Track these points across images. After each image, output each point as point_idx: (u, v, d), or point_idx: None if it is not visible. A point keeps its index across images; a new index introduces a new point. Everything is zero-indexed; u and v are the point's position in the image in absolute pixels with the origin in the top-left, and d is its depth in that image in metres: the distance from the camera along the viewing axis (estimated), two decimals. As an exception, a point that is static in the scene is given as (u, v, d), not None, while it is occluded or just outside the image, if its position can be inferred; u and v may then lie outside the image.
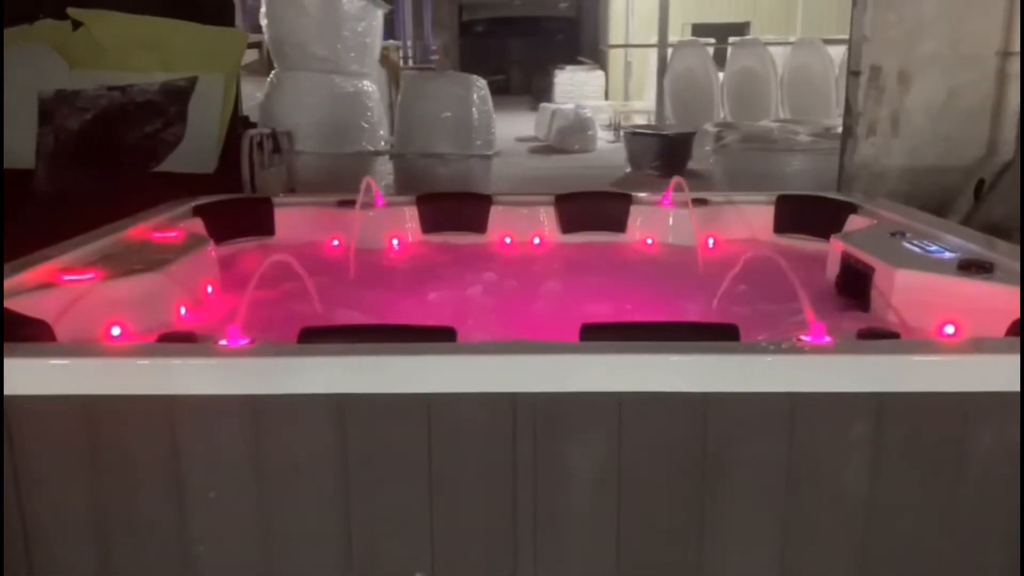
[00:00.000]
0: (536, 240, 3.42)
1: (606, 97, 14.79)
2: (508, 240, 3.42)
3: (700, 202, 3.42)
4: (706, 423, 1.67)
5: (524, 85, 17.14)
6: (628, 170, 9.38)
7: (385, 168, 7.04)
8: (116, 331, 2.21)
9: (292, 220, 3.46)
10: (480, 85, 6.48)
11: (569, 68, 15.23)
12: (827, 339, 1.77)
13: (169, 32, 5.06)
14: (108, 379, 1.70)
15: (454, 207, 3.46)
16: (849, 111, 5.55)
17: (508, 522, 1.72)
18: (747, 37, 11.70)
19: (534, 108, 13.24)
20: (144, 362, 1.71)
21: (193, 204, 3.33)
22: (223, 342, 1.80)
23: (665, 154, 8.97)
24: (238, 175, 5.11)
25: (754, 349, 1.71)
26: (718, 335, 1.77)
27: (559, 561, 1.74)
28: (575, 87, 14.70)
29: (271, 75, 6.40)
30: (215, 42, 5.12)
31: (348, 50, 6.40)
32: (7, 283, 2.24)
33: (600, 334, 1.77)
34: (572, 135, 10.97)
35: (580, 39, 17.39)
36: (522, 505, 1.71)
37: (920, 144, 5.42)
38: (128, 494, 1.74)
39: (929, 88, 5.33)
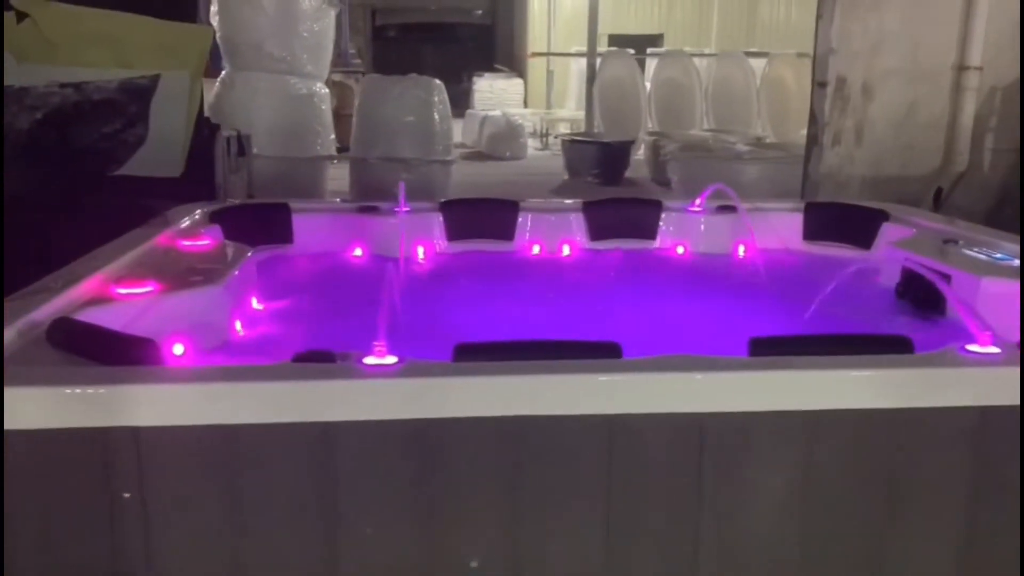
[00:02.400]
0: (565, 248, 3.33)
1: (525, 105, 14.81)
2: (537, 248, 3.32)
3: (727, 209, 3.40)
4: (891, 439, 1.62)
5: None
6: (566, 177, 9.40)
7: (340, 173, 6.82)
8: (179, 349, 2.00)
9: (311, 227, 3.25)
10: (441, 89, 6.34)
11: (488, 75, 15.17)
12: (996, 348, 1.74)
13: (126, 27, 4.72)
14: (254, 406, 1.52)
15: (481, 214, 3.33)
16: (814, 121, 5.68)
17: (690, 547, 1.62)
18: (672, 48, 11.91)
19: (455, 114, 13.12)
20: (298, 386, 1.53)
21: (208, 210, 3.09)
22: (368, 360, 1.64)
23: (604, 162, 9.02)
24: (207, 179, 4.81)
25: (939, 362, 1.66)
26: (890, 347, 1.72)
27: (739, 586, 1.65)
28: (495, 95, 14.65)
29: (222, 75, 6.08)
30: (177, 38, 4.81)
31: (303, 51, 6.16)
32: (62, 298, 2.01)
33: (770, 349, 1.69)
34: (504, 142, 10.92)
35: (495, 46, 17.37)
36: (705, 528, 1.61)
37: (882, 154, 5.59)
38: (271, 529, 1.56)
39: (890, 100, 5.50)
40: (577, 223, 3.35)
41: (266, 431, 1.52)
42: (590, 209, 3.36)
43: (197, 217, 3.02)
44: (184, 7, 4.98)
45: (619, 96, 11.12)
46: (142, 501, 1.51)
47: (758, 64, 11.03)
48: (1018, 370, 1.65)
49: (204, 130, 4.95)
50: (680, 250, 3.36)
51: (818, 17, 5.61)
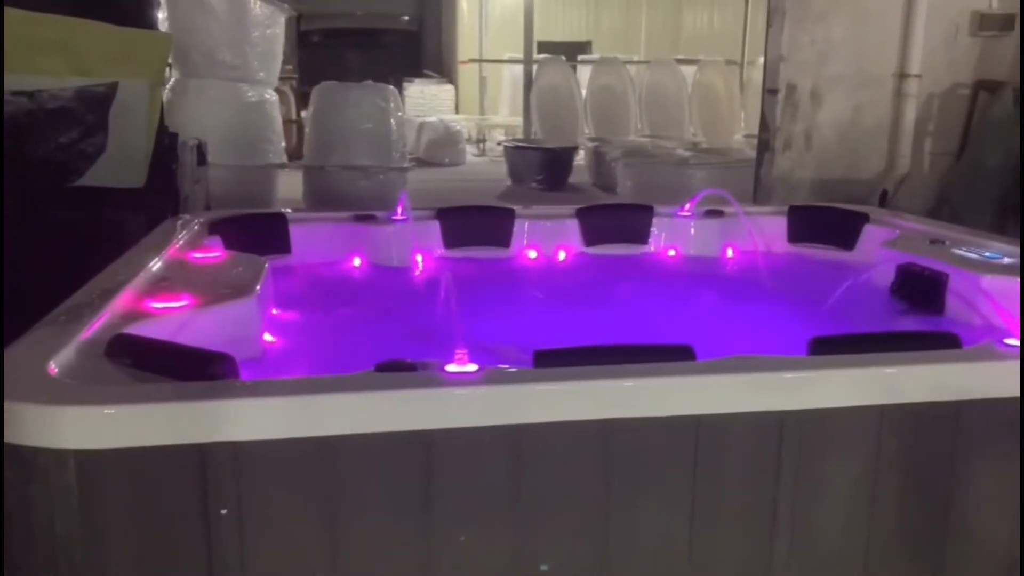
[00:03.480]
0: (561, 254, 3.37)
1: (456, 111, 14.82)
2: (533, 254, 3.35)
3: (715, 213, 3.50)
4: (948, 431, 1.71)
5: (364, 98, 16.85)
6: (509, 184, 9.45)
7: (292, 181, 6.72)
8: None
9: (309, 237, 3.22)
10: (396, 95, 6.32)
11: (418, 81, 15.15)
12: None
13: (81, 33, 4.57)
14: (354, 417, 1.51)
15: (478, 221, 3.35)
16: (765, 126, 5.86)
17: (767, 541, 1.68)
18: (605, 56, 12.08)
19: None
20: (396, 396, 1.53)
21: (205, 221, 3.03)
22: (450, 368, 1.65)
23: (548, 168, 9.11)
24: (170, 189, 4.68)
25: (987, 356, 1.76)
26: (940, 343, 1.81)
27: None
28: (426, 100, 14.61)
29: (171, 82, 5.93)
30: (136, 45, 4.68)
31: (255, 57, 6.06)
32: (102, 315, 1.95)
33: (832, 347, 1.77)
34: (442, 148, 10.92)
35: (423, 52, 17.31)
36: (782, 519, 1.68)
37: (829, 158, 5.81)
38: (366, 541, 1.56)
39: (837, 106, 5.72)
40: (572, 229, 3.40)
41: (362, 442, 1.52)
42: (584, 215, 3.42)
43: (196, 228, 2.95)
44: (141, 13, 4.85)
45: (555, 102, 11.25)
46: (239, 517, 1.49)
47: (688, 71, 11.30)
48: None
49: (164, 139, 4.83)
50: (672, 253, 3.45)
51: (768, 27, 5.80)
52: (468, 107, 14.93)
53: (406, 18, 17.82)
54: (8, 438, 1.46)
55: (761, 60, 12.35)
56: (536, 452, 1.57)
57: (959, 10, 5.60)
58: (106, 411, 1.44)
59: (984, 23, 5.66)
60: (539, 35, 15.46)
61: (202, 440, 1.46)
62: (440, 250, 3.32)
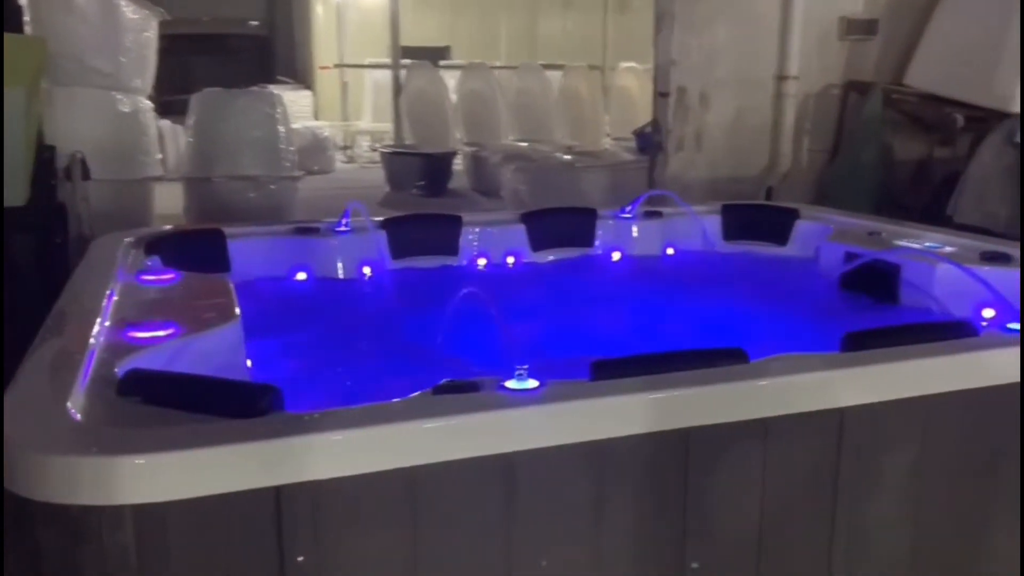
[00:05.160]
0: (510, 260, 3.32)
1: (315, 117, 14.44)
2: (483, 262, 3.29)
3: (653, 214, 3.55)
4: (982, 416, 1.79)
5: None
6: (388, 190, 9.30)
7: (167, 195, 6.32)
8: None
9: (248, 253, 3.02)
10: (282, 102, 6.08)
11: (273, 88, 14.64)
12: None
13: (-56, 38, 4.13)
14: (439, 445, 1.41)
15: (424, 230, 3.25)
16: (658, 128, 6.01)
17: (828, 525, 1.70)
18: (472, 61, 12.07)
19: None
20: (478, 419, 1.44)
21: (136, 239, 2.79)
22: (510, 384, 1.57)
23: (428, 174, 9.03)
24: (55, 206, 4.30)
25: (1005, 342, 1.85)
26: (961, 332, 1.89)
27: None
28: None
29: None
30: (7, 51, 4.27)
31: (128, 64, 5.67)
32: (88, 351, 1.75)
33: (866, 342, 1.81)
34: (311, 155, 10.58)
35: (275, 58, 16.76)
36: (840, 514, 1.70)
37: (718, 158, 6.02)
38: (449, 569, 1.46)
39: (723, 108, 5.94)
40: (518, 235, 3.35)
41: (444, 469, 1.42)
42: (530, 220, 3.38)
43: (132, 249, 2.71)
44: (10, 18, 4.42)
45: (425, 108, 11.16)
46: (317, 563, 1.36)
47: (553, 76, 11.48)
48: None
49: (43, 152, 4.43)
50: (616, 255, 3.46)
51: (656, 32, 5.95)
52: (328, 114, 14.57)
53: (255, 23, 17.21)
54: (45, 497, 1.28)
55: (622, 65, 12.75)
56: (616, 467, 1.52)
57: (829, 15, 5.94)
58: (170, 459, 1.28)
59: (851, 27, 6.02)
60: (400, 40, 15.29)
61: (280, 482, 1.32)
62: (387, 261, 3.20)
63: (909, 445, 1.73)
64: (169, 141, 8.80)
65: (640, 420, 1.52)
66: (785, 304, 2.81)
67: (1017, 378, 1.79)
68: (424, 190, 8.88)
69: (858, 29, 6.06)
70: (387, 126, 12.12)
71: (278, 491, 1.33)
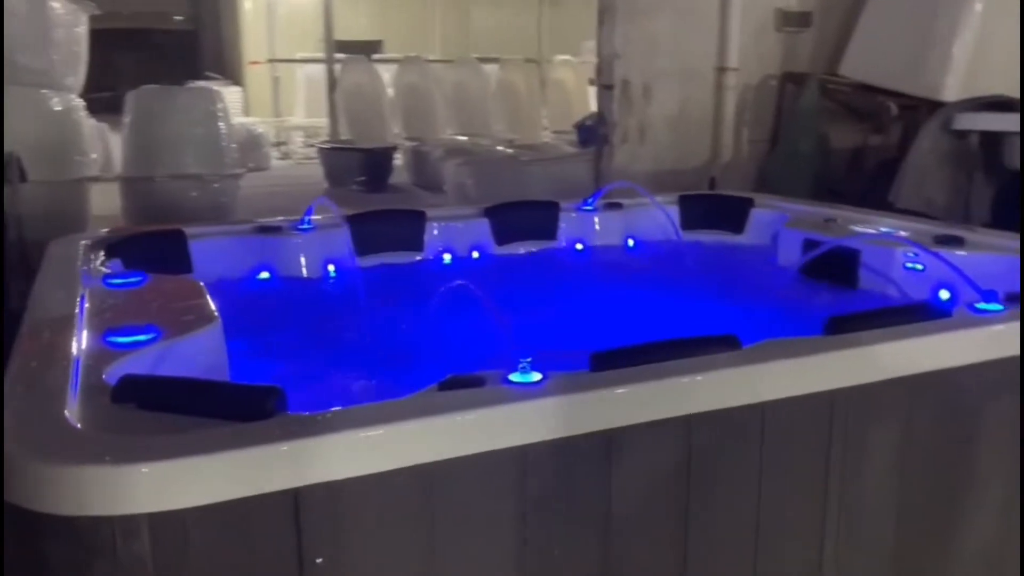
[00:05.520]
0: (475, 254, 3.32)
1: (246, 114, 14.18)
2: (448, 257, 3.28)
3: (614, 206, 3.59)
4: (958, 394, 1.86)
5: (133, 103, 15.76)
6: (327, 186, 9.19)
7: (105, 195, 6.13)
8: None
9: (210, 253, 2.96)
10: (223, 98, 5.95)
11: (200, 84, 14.32)
12: (999, 305, 2.03)
13: None
14: (456, 440, 1.41)
15: (389, 226, 3.23)
16: (603, 121, 6.06)
17: (821, 502, 1.75)
18: (408, 55, 11.98)
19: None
20: (493, 413, 1.44)
21: (94, 241, 2.71)
22: (513, 377, 1.57)
23: (368, 169, 8.95)
24: (-8, 211, 4.13)
25: (976, 322, 1.93)
26: (934, 314, 1.96)
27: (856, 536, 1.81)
28: (213, 104, 13.84)
29: (-38, 89, 5.23)
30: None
31: (59, 60, 5.48)
32: (72, 359, 1.70)
33: (848, 325, 1.86)
34: (246, 153, 10.36)
35: (201, 53, 16.39)
36: (832, 491, 1.75)
37: (661, 150, 6.10)
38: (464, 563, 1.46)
39: (666, 100, 6.02)
40: (482, 229, 3.36)
41: (459, 464, 1.42)
42: (493, 214, 3.38)
43: (91, 251, 2.63)
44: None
45: (361, 102, 11.05)
46: (336, 564, 1.35)
47: (489, 70, 11.48)
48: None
49: (-22, 153, 4.25)
50: (579, 247, 3.49)
51: (600, 24, 6.00)
52: (259, 110, 14.32)
53: (179, 17, 16.81)
54: (54, 509, 1.24)
55: (557, 58, 12.80)
56: (625, 456, 1.54)
57: (765, 7, 6.07)
58: (186, 464, 1.25)
59: (786, 20, 6.16)
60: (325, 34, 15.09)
61: (299, 484, 1.30)
62: (352, 258, 3.16)
63: (894, 423, 1.79)
64: (95, 140, 8.53)
65: (646, 408, 1.54)
66: (752, 291, 2.88)
67: (988, 357, 1.87)
68: (364, 186, 8.80)
69: (793, 21, 6.20)
70: (322, 121, 11.96)
71: (296, 493, 1.31)
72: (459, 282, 1.93)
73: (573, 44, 13.90)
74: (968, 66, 5.44)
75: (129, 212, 5.93)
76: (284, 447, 1.30)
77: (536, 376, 1.59)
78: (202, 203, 5.72)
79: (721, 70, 6.08)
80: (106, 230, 2.87)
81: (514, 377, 1.58)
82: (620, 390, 1.52)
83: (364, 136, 10.18)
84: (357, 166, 8.88)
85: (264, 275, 3.00)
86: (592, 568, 1.56)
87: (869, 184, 5.88)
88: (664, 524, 1.61)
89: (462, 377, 1.58)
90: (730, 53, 6.02)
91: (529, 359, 1.59)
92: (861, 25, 6.05)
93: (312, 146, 11.02)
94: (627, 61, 5.89)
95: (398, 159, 9.68)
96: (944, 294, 2.60)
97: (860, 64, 6.04)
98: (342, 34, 15.49)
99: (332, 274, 3.09)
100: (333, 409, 1.43)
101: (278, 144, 11.94)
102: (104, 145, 8.18)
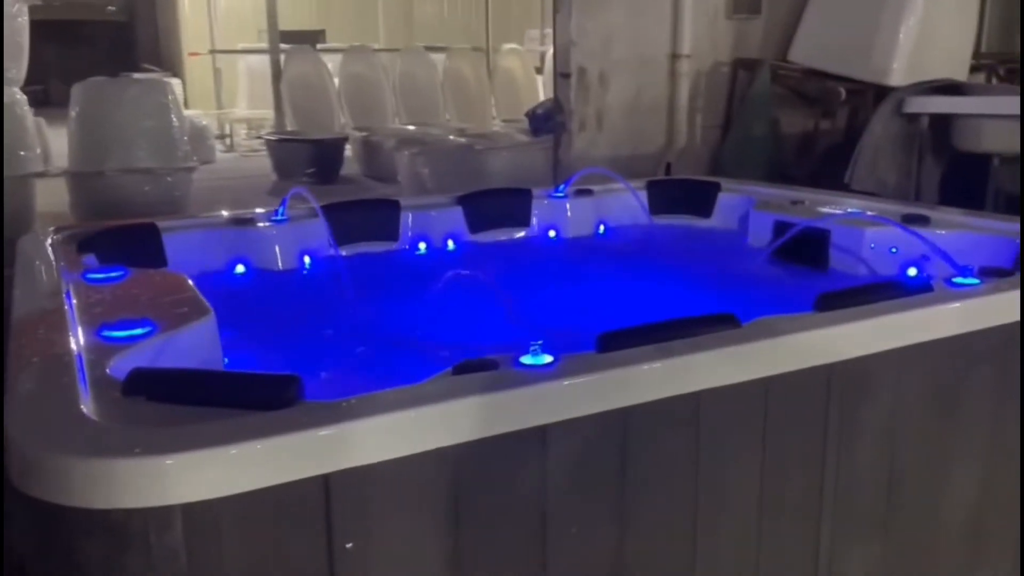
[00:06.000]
0: (450, 243, 3.33)
1: (186, 106, 13.87)
2: (423, 246, 3.28)
3: (585, 192, 3.62)
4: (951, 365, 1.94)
5: (70, 97, 15.33)
6: (275, 178, 9.06)
7: (48, 191, 5.96)
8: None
9: (184, 246, 2.91)
10: (173, 90, 5.83)
11: (136, 76, 13.98)
12: (975, 279, 2.12)
13: None
14: (480, 422, 1.43)
15: (364, 216, 3.21)
16: (561, 109, 6.09)
17: (819, 470, 1.81)
18: (356, 44, 11.84)
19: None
20: (514, 394, 1.46)
21: (69, 236, 2.65)
22: (525, 360, 1.59)
23: (318, 161, 8.83)
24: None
25: (956, 296, 2.01)
26: (916, 289, 2.03)
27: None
28: (151, 96, 13.52)
29: (-101, 84, 5.04)
30: None
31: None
32: (73, 354, 1.67)
33: (837, 302, 1.92)
34: (191, 146, 10.18)
35: (136, 45, 15.99)
36: (829, 461, 1.81)
37: (618, 137, 6.16)
38: (489, 550, 1.48)
39: (622, 87, 6.08)
40: (456, 217, 3.36)
41: (482, 446, 1.43)
42: (467, 202, 3.39)
43: (62, 246, 2.57)
44: None
45: (307, 93, 10.91)
46: (365, 549, 1.36)
47: (437, 59, 11.43)
48: (998, 296, 2.05)
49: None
50: (552, 234, 3.52)
51: (555, 12, 6.03)
52: (200, 102, 14.03)
53: (112, 8, 16.38)
54: (84, 503, 1.22)
55: (505, 47, 12.79)
56: (639, 434, 1.57)
57: (716, -6, 6.17)
58: (219, 454, 1.24)
59: (737, 7, 6.27)
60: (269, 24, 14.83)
61: (330, 469, 1.31)
62: (328, 248, 3.14)
63: (885, 393, 1.86)
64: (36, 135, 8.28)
65: (660, 386, 1.58)
66: (726, 273, 2.94)
67: (970, 328, 1.95)
68: (314, 178, 8.69)
69: (744, 8, 6.31)
70: (266, 113, 11.77)
71: (326, 479, 1.31)
72: (463, 272, 1.94)
73: (517, 33, 13.93)
74: (912, 51, 5.61)
75: (77, 208, 5.77)
76: (315, 433, 1.30)
77: (548, 358, 1.61)
78: (155, 197, 5.60)
79: (675, 57, 6.16)
80: (76, 226, 2.81)
81: (526, 359, 1.60)
82: (633, 369, 1.55)
83: (311, 127, 10.05)
84: (307, 158, 8.75)
85: (240, 268, 2.96)
86: (610, 543, 1.59)
87: (819, 167, 6.03)
88: (677, 497, 1.65)
89: (475, 361, 1.59)
90: (683, 40, 6.10)
91: (540, 342, 1.62)
92: (809, 11, 6.20)
93: (259, 138, 10.84)
94: (583, 49, 5.93)
95: (347, 150, 9.58)
96: (912, 271, 2.69)
97: (809, 50, 6.19)
98: (283, 24, 15.23)
99: (307, 265, 3.07)
100: (355, 396, 1.43)
101: (221, 137, 11.73)
102: (43, 140, 7.95)
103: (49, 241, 2.63)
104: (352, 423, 1.33)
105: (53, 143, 8.92)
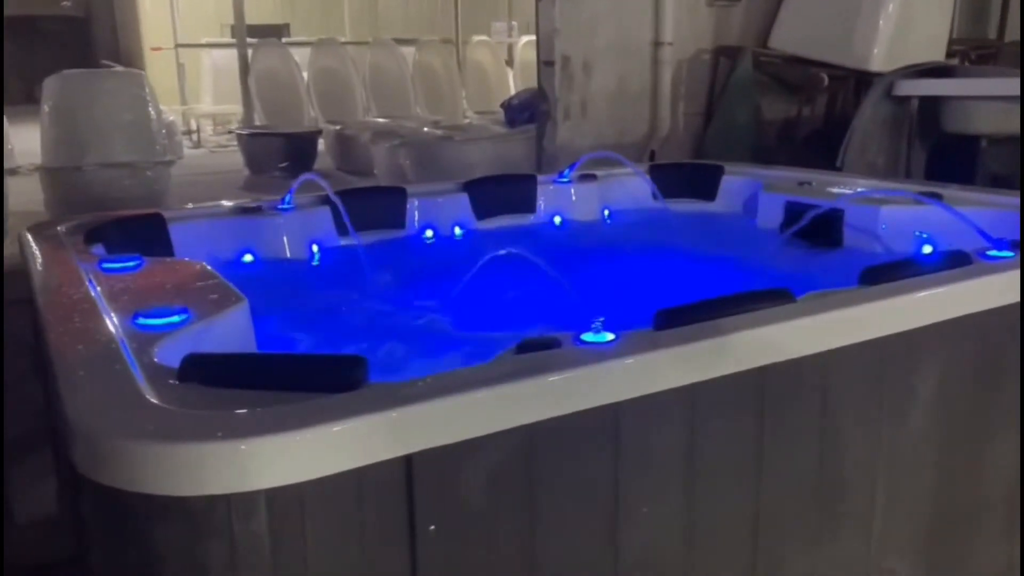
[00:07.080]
0: (457, 230, 3.29)
1: (149, 102, 13.60)
2: (430, 233, 3.23)
3: (588, 177, 3.60)
4: (987, 339, 1.95)
5: (25, 93, 14.94)
6: (247, 173, 8.93)
7: (18, 188, 5.81)
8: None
9: (191, 236, 2.83)
10: (148, 82, 5.70)
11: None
12: (1009, 252, 2.13)
13: None
14: (550, 401, 1.39)
15: (371, 204, 3.15)
16: (545, 98, 6.06)
17: (875, 444, 1.80)
18: (325, 37, 11.69)
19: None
20: (587, 372, 1.43)
21: (75, 227, 2.56)
22: (586, 337, 1.56)
23: (292, 155, 8.72)
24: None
25: (997, 268, 2.01)
26: (958, 262, 2.03)
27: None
28: (113, 92, 13.26)
29: None
30: None
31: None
32: (118, 341, 1.61)
33: (881, 276, 1.92)
34: (160, 142, 10.00)
35: (94, 41, 15.65)
36: (884, 432, 1.81)
37: (602, 125, 6.14)
38: (562, 529, 1.45)
39: (606, 76, 6.06)
40: (462, 204, 3.32)
41: (556, 424, 1.40)
42: (472, 189, 3.35)
43: (71, 237, 2.49)
44: None
45: (276, 87, 10.76)
46: (447, 531, 1.32)
47: (407, 52, 11.34)
48: None
49: None
50: (557, 220, 3.49)
51: (538, 1, 5.98)
52: (163, 98, 13.72)
53: (68, 3, 16.00)
54: (159, 490, 1.17)
55: (475, 39, 12.72)
56: (708, 410, 1.55)
57: (696, -18, 6.18)
58: (304, 437, 1.19)
59: (716, -6, 6.28)
60: (233, 18, 14.62)
61: (411, 450, 1.26)
62: (335, 238, 3.09)
63: (935, 366, 1.86)
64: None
65: (723, 361, 1.56)
66: (744, 253, 2.93)
67: (1008, 301, 1.96)
68: (288, 172, 8.57)
69: (722, -4, 6.32)
70: (233, 108, 11.61)
71: (409, 460, 1.27)
72: (512, 250, 1.90)
73: (484, 25, 13.87)
74: (892, 37, 5.67)
75: (53, 204, 5.62)
76: (396, 414, 1.26)
77: (609, 336, 1.58)
78: (135, 192, 5.46)
79: (657, 44, 6.16)
80: (81, 217, 2.72)
81: (587, 337, 1.57)
82: (697, 345, 1.53)
83: (280, 121, 9.92)
84: (280, 152, 8.63)
85: (248, 258, 2.90)
86: (679, 519, 1.57)
87: (800, 153, 6.07)
88: (743, 472, 1.63)
89: (537, 339, 1.56)
90: (665, 27, 6.10)
91: (601, 319, 1.59)
92: (789, -1, 6.24)
93: (230, 132, 10.68)
94: (566, 38, 5.89)
95: (320, 144, 9.46)
96: (927, 248, 2.71)
97: (790, 36, 6.22)
98: (248, 18, 15.03)
99: (316, 254, 3.01)
100: (427, 376, 1.39)
101: (188, 133, 11.52)
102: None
103: (57, 231, 2.55)
104: (431, 403, 1.29)
105: (16, 140, 8.69)
